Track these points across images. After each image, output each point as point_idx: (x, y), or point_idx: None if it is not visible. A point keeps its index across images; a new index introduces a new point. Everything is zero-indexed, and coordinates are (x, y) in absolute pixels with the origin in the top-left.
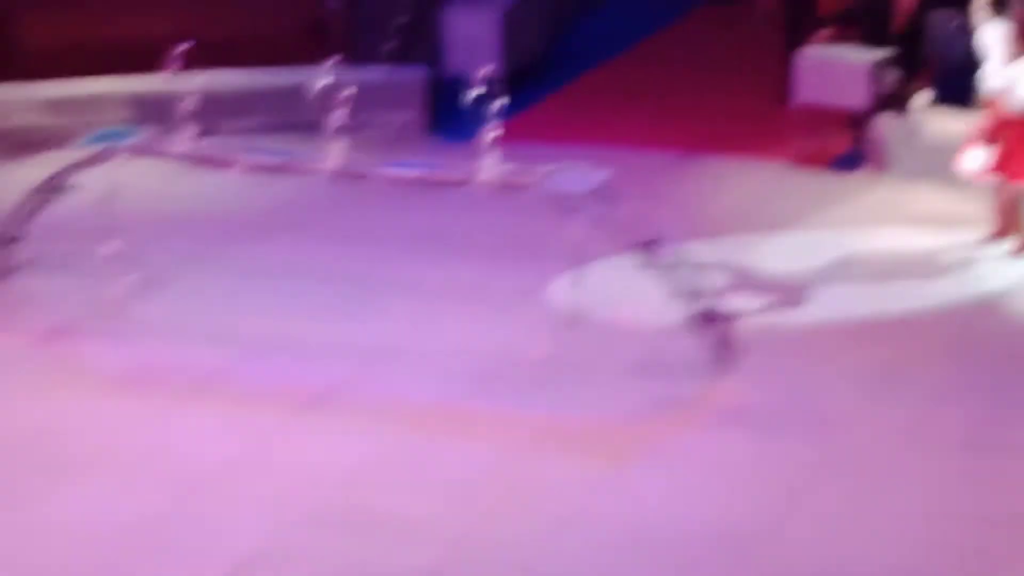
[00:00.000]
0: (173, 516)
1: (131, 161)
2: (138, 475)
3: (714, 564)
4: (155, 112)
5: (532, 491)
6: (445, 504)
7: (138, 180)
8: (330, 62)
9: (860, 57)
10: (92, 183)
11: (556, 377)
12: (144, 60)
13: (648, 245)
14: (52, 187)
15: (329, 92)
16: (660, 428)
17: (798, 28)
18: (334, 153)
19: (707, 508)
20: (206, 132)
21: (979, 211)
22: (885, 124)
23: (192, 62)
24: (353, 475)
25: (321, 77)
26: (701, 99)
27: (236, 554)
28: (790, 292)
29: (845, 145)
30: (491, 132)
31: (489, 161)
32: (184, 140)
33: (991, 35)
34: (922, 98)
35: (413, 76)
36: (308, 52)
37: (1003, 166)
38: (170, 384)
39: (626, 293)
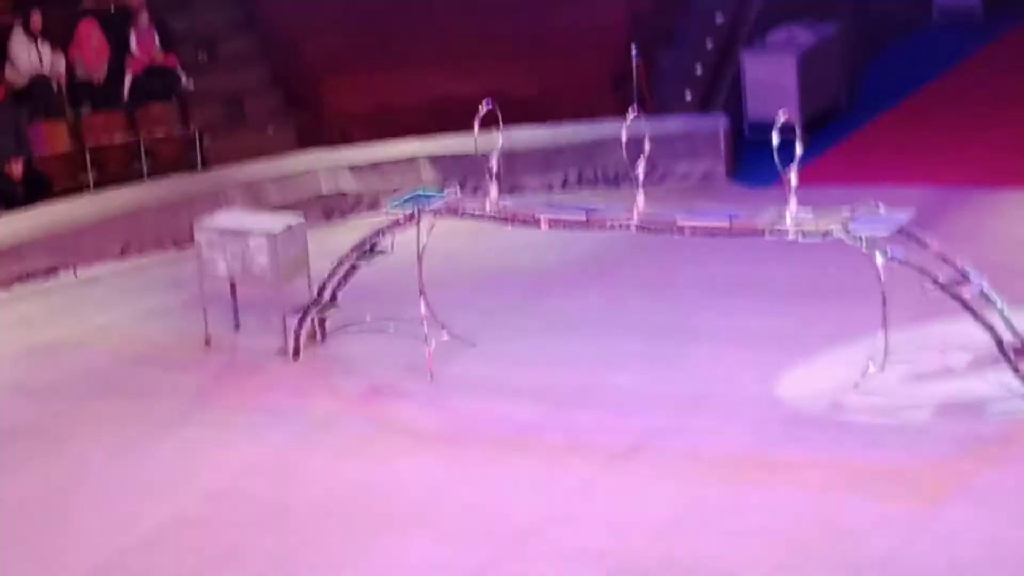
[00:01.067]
0: (493, 570)
1: (438, 221)
2: (457, 530)
3: None
4: (460, 171)
5: (846, 535)
6: (759, 552)
7: (445, 239)
8: (631, 115)
9: None
10: (400, 245)
11: (865, 418)
12: (448, 120)
13: (954, 283)
14: (363, 250)
15: (630, 144)
16: (971, 466)
17: None
18: (637, 205)
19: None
20: (511, 189)
21: None
22: None
23: (495, 120)
24: (666, 526)
25: (622, 130)
26: (1000, 132)
27: None
28: None
29: None
30: (792, 177)
31: (791, 206)
32: (490, 199)
33: None
34: None
35: (713, 124)
36: (609, 106)
37: None
38: (484, 440)
39: (933, 331)
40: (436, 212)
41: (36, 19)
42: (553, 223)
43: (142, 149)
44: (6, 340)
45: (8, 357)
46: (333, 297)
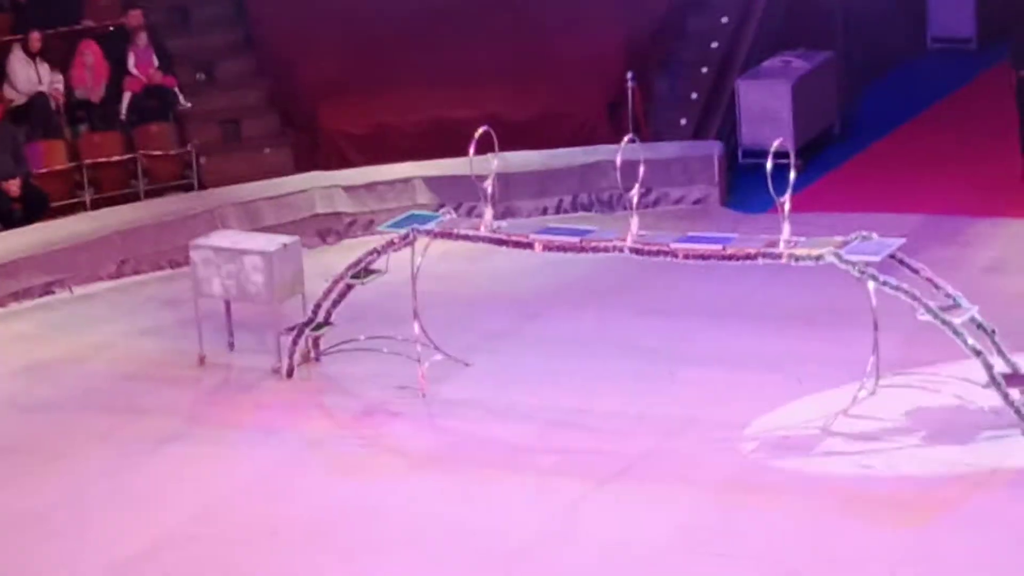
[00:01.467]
0: None
1: (433, 243)
2: (448, 550)
3: None
4: (456, 194)
5: (836, 558)
6: (755, 574)
7: (440, 261)
8: (626, 140)
9: None
10: (395, 266)
11: (855, 443)
12: (444, 143)
13: (945, 309)
14: (358, 271)
15: (625, 169)
16: (960, 490)
17: None
18: (631, 229)
19: (1012, 572)
20: (506, 212)
21: None
22: None
23: (491, 144)
24: (658, 549)
25: (617, 155)
26: (992, 160)
27: None
28: None
29: None
30: (785, 203)
31: (784, 232)
32: (485, 222)
33: None
34: None
35: (708, 150)
36: (605, 131)
37: None
38: (475, 461)
39: (924, 357)
40: (431, 234)
41: (35, 38)
42: (547, 246)
43: (139, 168)
44: (2, 357)
45: (4, 374)
46: (327, 317)
